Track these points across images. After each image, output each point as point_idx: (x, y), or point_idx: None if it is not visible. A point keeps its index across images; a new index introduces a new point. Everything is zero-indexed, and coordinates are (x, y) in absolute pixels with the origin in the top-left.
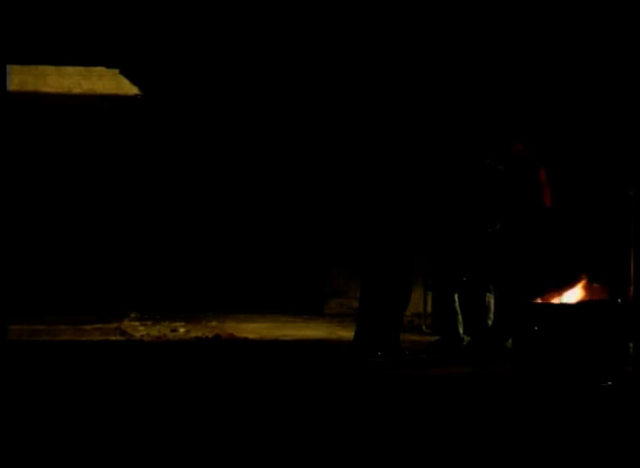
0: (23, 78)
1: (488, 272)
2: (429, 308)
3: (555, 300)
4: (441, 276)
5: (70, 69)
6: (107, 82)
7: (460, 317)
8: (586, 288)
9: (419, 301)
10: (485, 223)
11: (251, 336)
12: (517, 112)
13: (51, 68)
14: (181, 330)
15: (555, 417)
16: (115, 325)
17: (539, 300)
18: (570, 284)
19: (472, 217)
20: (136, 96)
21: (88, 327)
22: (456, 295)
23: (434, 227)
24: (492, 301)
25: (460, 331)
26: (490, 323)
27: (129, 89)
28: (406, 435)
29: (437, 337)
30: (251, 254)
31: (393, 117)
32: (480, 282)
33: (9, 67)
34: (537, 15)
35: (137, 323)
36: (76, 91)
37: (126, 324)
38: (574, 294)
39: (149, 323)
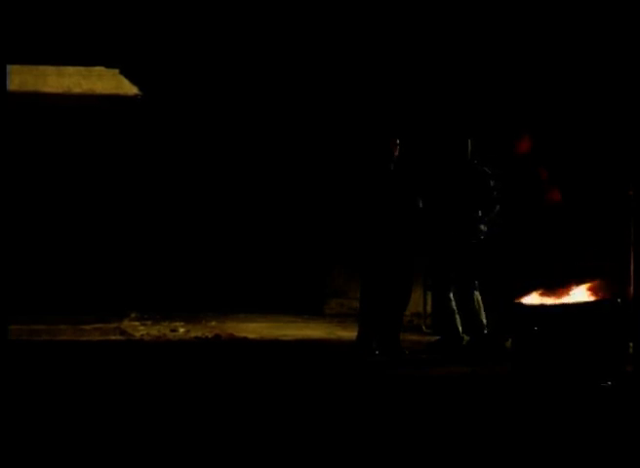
0: (23, 78)
1: (473, 270)
2: (429, 308)
3: (554, 298)
4: (435, 275)
5: (70, 69)
6: (107, 82)
7: (457, 316)
8: (587, 287)
9: (419, 301)
10: (472, 223)
11: (251, 336)
12: (518, 111)
13: (51, 68)
14: (181, 329)
15: (555, 417)
16: (115, 325)
17: (537, 296)
18: (570, 283)
19: (459, 217)
20: (136, 96)
21: (88, 327)
22: (451, 295)
23: (430, 227)
24: (479, 299)
25: (460, 330)
26: (484, 320)
27: (129, 89)
28: (406, 435)
29: (437, 337)
30: (251, 255)
31: (392, 118)
32: (465, 280)
33: (9, 67)
34: (536, 14)
35: (137, 323)
36: (76, 91)
37: (126, 324)
38: (573, 293)
39: (149, 323)
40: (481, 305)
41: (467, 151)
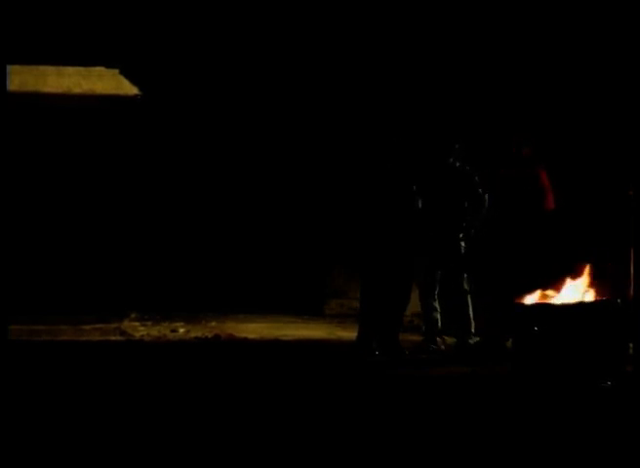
0: (23, 78)
1: (463, 270)
2: None
3: (554, 298)
4: (426, 274)
5: (70, 69)
6: (107, 82)
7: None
8: (587, 284)
9: (418, 301)
10: (455, 223)
11: (250, 336)
12: (518, 112)
13: (51, 68)
14: (181, 330)
15: (555, 417)
16: (115, 325)
17: (537, 296)
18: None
19: (448, 219)
20: (136, 96)
21: (88, 327)
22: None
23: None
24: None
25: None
26: (472, 318)
27: (129, 89)
28: (406, 435)
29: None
30: (250, 255)
31: (390, 118)
32: (456, 279)
33: (9, 67)
34: (536, 15)
35: (137, 323)
36: (76, 91)
37: (126, 324)
38: (574, 290)
39: (149, 323)
40: (470, 304)
41: (450, 154)
